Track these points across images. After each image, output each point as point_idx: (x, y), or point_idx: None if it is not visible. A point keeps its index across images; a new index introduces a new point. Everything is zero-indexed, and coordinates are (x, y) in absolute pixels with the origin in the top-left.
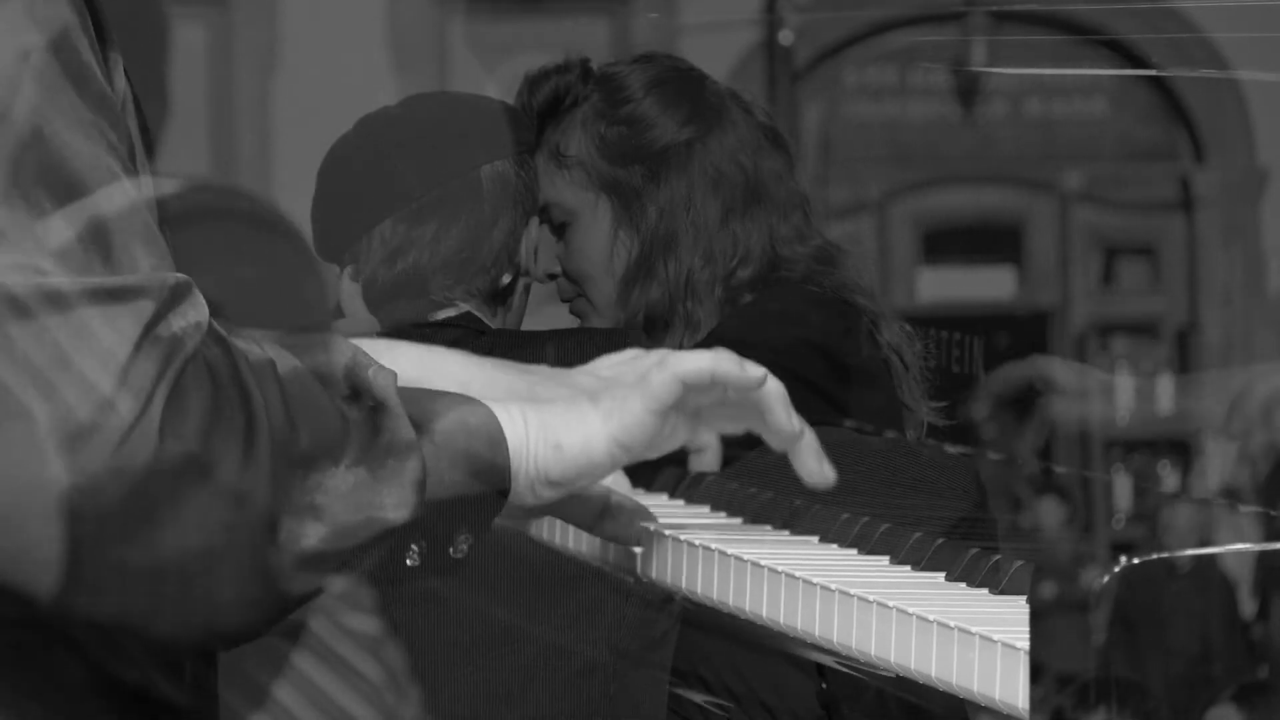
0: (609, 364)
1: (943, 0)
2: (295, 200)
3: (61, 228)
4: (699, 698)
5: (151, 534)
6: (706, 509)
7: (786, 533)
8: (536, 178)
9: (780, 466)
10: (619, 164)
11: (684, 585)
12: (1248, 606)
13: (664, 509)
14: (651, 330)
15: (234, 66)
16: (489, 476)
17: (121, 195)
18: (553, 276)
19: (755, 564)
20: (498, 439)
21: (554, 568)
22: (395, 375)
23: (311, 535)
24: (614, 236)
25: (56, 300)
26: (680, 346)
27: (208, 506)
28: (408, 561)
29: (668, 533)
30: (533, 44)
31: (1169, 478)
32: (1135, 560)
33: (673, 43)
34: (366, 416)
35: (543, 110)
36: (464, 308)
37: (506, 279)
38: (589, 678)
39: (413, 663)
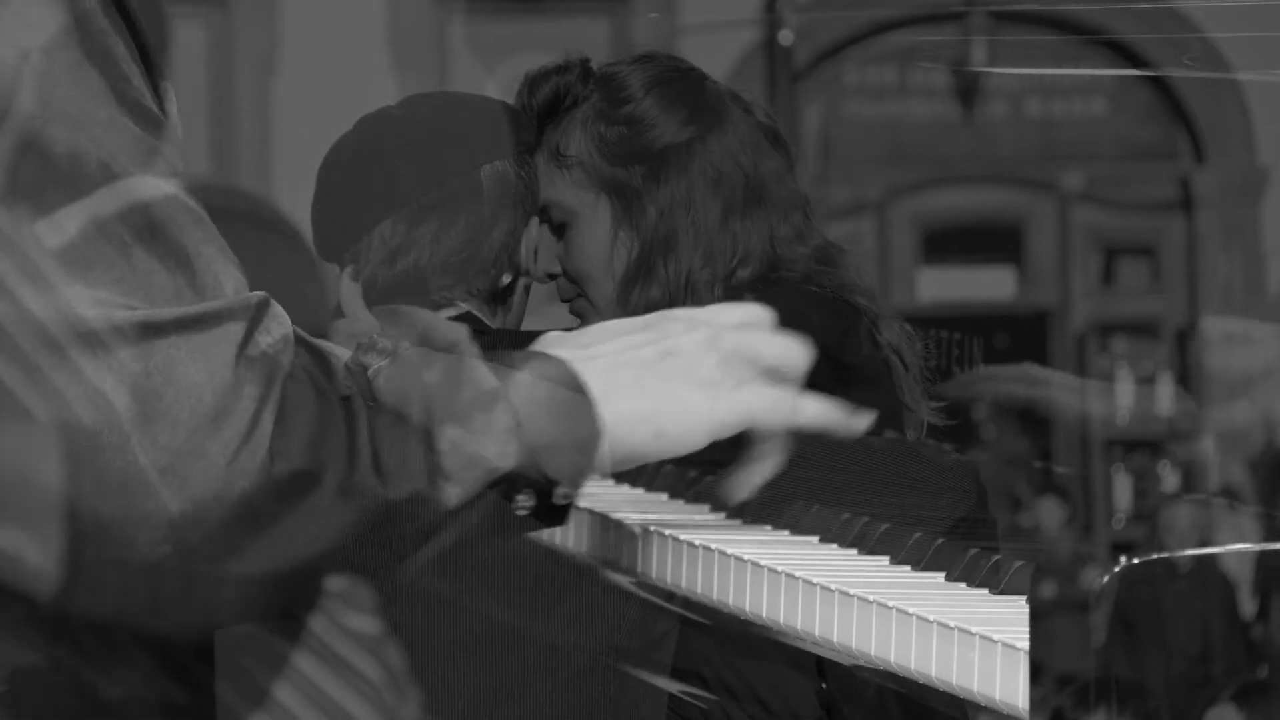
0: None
1: (943, 0)
2: (295, 200)
3: (143, 258)
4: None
5: (267, 547)
6: (706, 509)
7: (786, 533)
8: (536, 178)
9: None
10: (619, 164)
11: (684, 585)
12: (1248, 606)
13: (664, 509)
14: None
15: (234, 66)
16: (577, 419)
17: (191, 219)
18: (553, 276)
19: (755, 564)
20: (577, 384)
21: (554, 568)
22: (466, 328)
23: (451, 495)
24: (614, 236)
25: (149, 332)
26: None
27: (320, 512)
28: (518, 510)
29: (668, 532)
30: (533, 44)
31: (1169, 478)
32: (1135, 560)
33: (673, 43)
34: (443, 373)
35: (543, 110)
36: (464, 308)
37: (506, 279)
38: (589, 678)
39: (413, 663)
